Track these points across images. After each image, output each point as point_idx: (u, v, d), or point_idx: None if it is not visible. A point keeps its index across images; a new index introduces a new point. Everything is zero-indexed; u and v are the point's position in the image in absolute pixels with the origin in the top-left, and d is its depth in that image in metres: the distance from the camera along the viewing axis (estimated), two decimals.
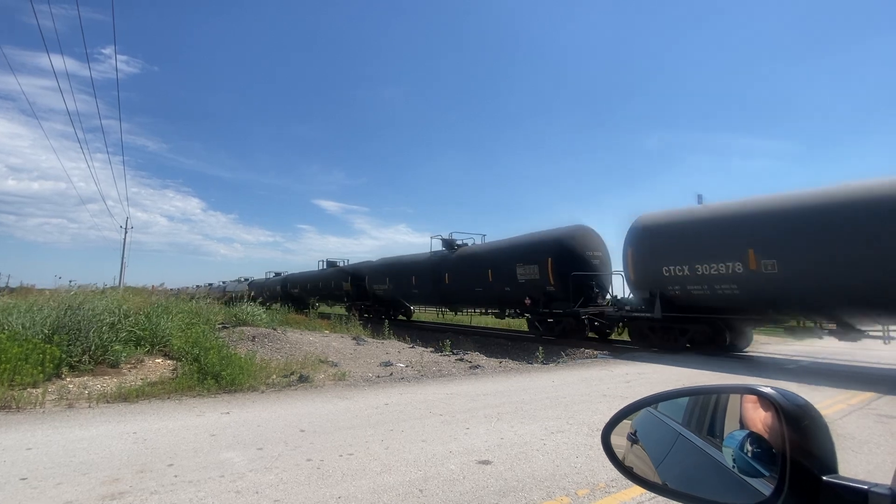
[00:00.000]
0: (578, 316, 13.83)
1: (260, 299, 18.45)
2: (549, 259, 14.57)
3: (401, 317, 25.92)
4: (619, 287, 14.08)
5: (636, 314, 12.37)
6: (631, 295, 12.75)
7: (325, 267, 32.05)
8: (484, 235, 20.53)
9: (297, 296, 33.10)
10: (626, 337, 16.00)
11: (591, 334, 14.40)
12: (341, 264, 30.90)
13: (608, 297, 14.62)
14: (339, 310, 30.31)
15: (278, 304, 26.78)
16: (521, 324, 18.85)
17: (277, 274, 40.92)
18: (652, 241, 11.87)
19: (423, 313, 26.86)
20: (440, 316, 23.75)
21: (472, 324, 22.63)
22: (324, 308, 31.65)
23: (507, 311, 17.49)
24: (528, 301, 15.39)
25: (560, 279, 14.19)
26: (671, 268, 11.11)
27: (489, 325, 21.13)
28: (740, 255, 9.85)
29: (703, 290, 10.66)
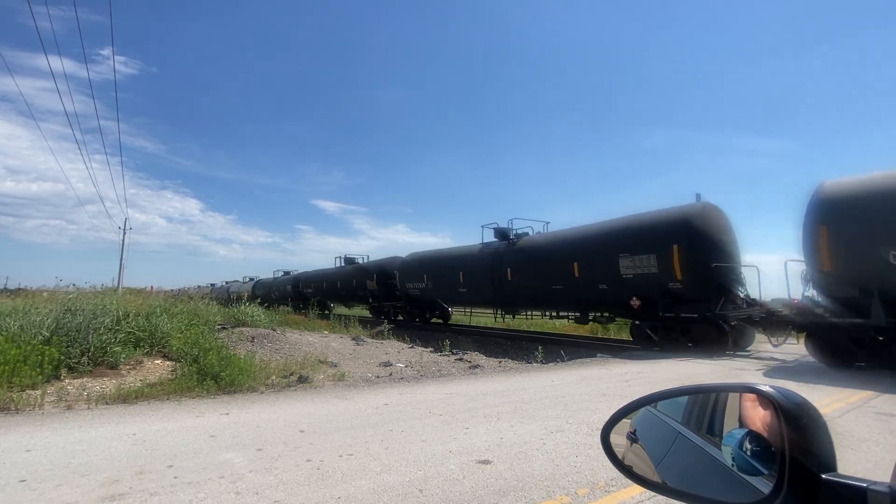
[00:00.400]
0: (726, 321, 10.74)
1: (265, 303, 18.07)
2: (675, 247, 11.12)
3: (435, 320, 22.76)
4: (753, 284, 11.50)
5: (837, 320, 8.73)
6: (810, 293, 9.52)
7: (342, 264, 28.93)
8: (547, 223, 17.23)
9: (311, 296, 29.98)
10: (624, 336, 15.94)
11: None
12: (360, 261, 27.99)
13: (742, 295, 11.71)
14: (360, 311, 27.84)
15: (289, 307, 24.81)
16: (593, 328, 16.13)
17: (286, 273, 38.02)
18: (866, 215, 8.35)
19: (464, 316, 23.28)
20: (498, 320, 19.26)
21: (472, 324, 21.90)
22: (341, 310, 29.30)
23: (594, 314, 14.29)
24: (636, 302, 12.15)
25: (691, 273, 11.07)
26: None
27: (488, 325, 20.79)
28: None
29: None
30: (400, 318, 22.87)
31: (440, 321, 22.56)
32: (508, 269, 15.77)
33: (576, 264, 13.42)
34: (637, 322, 12.75)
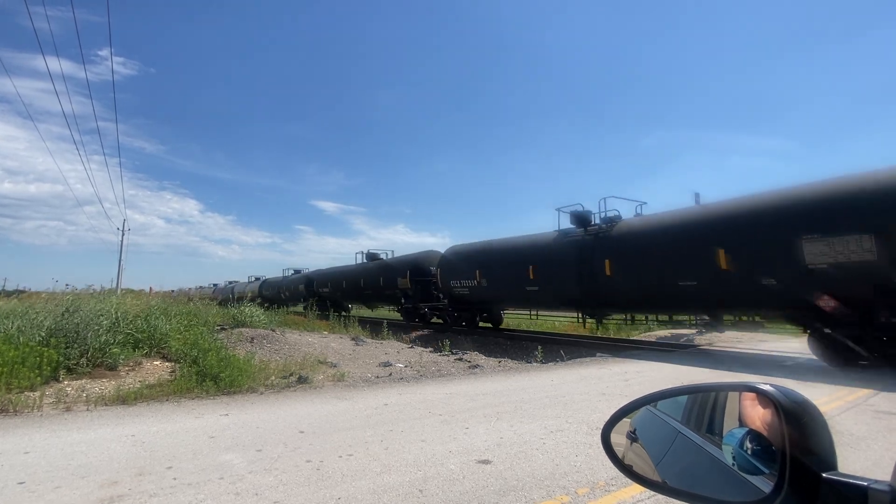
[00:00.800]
0: None
1: (274, 304, 16.89)
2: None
3: (483, 324, 19.11)
4: None
5: None
6: None
7: (364, 261, 25.51)
8: (643, 203, 13.22)
9: (328, 296, 27.55)
10: (623, 335, 15.84)
11: None
12: (384, 257, 24.90)
13: None
14: (387, 313, 24.92)
15: (301, 307, 23.26)
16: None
17: (297, 271, 35.31)
18: None
19: (514, 317, 19.94)
20: (585, 326, 16.07)
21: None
22: (363, 312, 26.84)
23: (745, 317, 10.70)
24: (829, 303, 8.42)
25: None
26: None
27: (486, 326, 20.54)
28: None
29: None
30: (438, 321, 20.07)
31: (489, 325, 19.09)
32: (608, 262, 12.10)
33: (721, 252, 9.67)
34: (826, 330, 8.82)
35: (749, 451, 0.76)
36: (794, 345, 12.71)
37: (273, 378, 7.23)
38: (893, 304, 8.02)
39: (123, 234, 37.64)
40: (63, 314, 7.68)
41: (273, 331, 12.02)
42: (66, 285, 11.45)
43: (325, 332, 14.40)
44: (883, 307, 8.11)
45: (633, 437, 1.05)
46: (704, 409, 0.95)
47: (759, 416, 0.79)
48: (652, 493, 0.99)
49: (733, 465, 0.78)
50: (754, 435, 0.77)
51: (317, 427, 4.68)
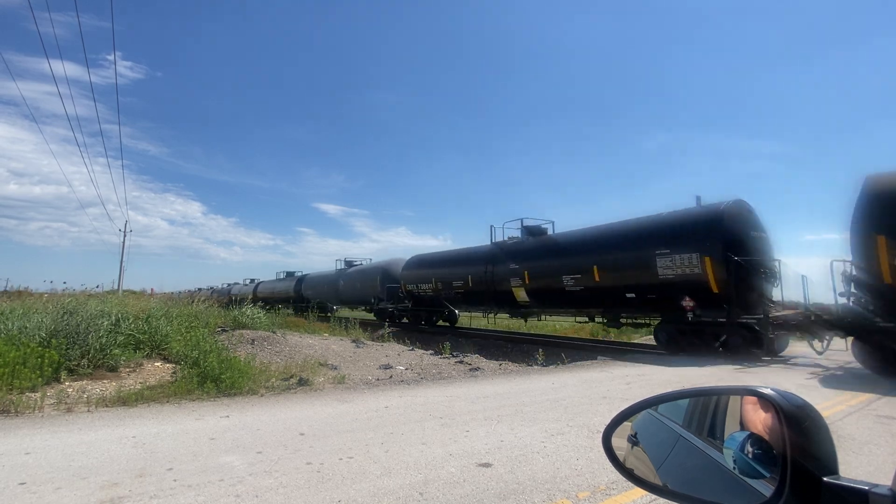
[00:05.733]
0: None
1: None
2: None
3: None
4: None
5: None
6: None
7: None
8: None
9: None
10: (624, 339, 15.88)
11: None
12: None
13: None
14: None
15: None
16: None
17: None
18: None
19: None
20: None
21: (472, 326, 21.61)
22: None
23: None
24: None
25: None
26: None
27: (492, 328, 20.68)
28: None
29: None
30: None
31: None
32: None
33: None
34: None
35: (750, 455, 0.76)
36: (795, 348, 12.67)
37: (274, 380, 7.23)
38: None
39: (125, 236, 37.75)
40: (63, 315, 7.69)
41: (274, 333, 12.02)
42: (64, 283, 11.48)
43: (326, 335, 14.40)
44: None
45: (634, 440, 1.05)
46: (706, 412, 0.95)
47: (760, 419, 0.79)
48: (653, 496, 0.99)
49: (734, 468, 0.78)
50: (755, 439, 0.77)
51: (317, 429, 4.67)
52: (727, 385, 0.93)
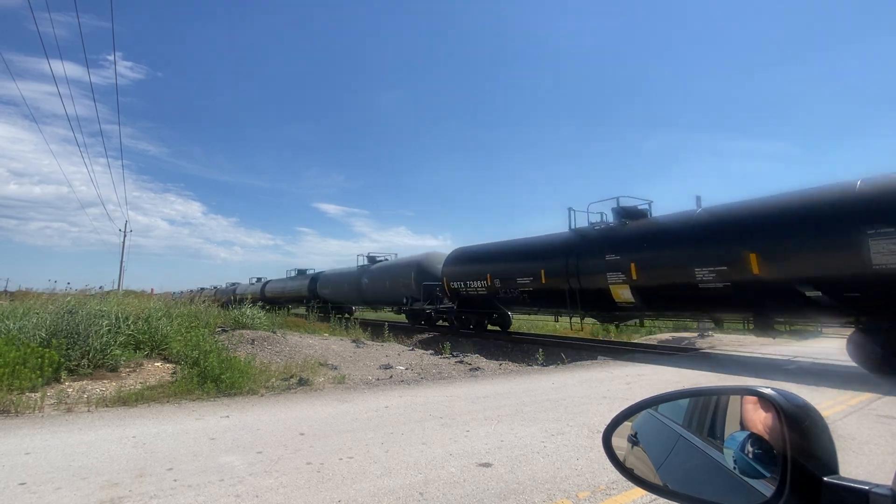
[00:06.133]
0: None
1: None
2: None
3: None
4: None
5: None
6: None
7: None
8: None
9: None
10: (624, 338, 15.80)
11: None
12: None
13: None
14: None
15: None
16: None
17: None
18: None
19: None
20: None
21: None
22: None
23: None
24: None
25: None
26: None
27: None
28: None
29: None
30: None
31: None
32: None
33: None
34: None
35: (750, 455, 0.76)
36: (796, 348, 12.68)
37: (274, 380, 7.23)
38: None
39: (125, 236, 37.77)
40: (64, 315, 7.68)
41: (274, 333, 12.01)
42: (67, 283, 11.48)
43: (326, 335, 14.39)
44: None
45: (634, 440, 1.05)
46: (706, 412, 0.95)
47: (760, 419, 0.79)
48: (653, 496, 0.99)
49: (734, 468, 0.78)
50: (755, 438, 0.77)
51: (317, 429, 4.67)
52: (727, 385, 0.93)
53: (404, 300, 20.90)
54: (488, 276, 16.07)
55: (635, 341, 15.99)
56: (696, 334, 16.34)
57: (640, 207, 13.15)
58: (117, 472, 3.47)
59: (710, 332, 15.72)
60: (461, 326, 18.05)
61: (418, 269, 20.19)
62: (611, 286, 12.31)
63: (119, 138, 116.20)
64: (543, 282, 14.14)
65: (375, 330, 15.39)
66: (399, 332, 16.05)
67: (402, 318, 22.87)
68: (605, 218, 13.54)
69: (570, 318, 14.84)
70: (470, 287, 17.00)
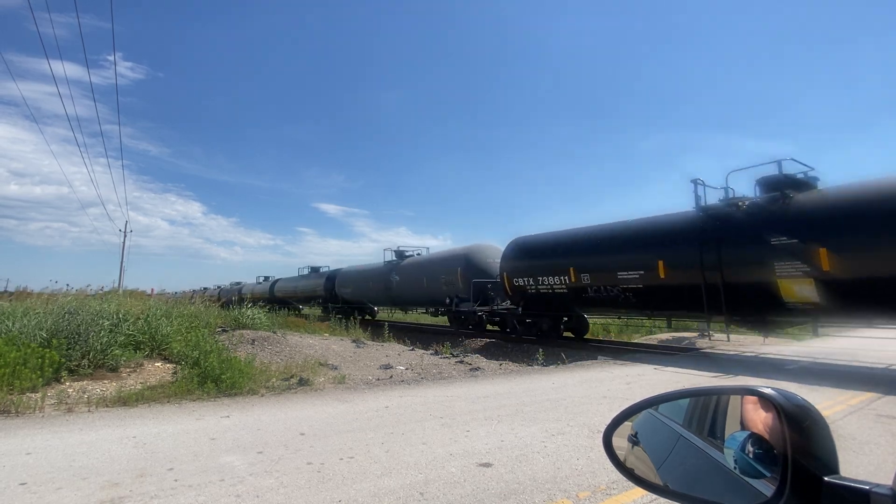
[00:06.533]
0: None
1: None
2: None
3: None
4: None
5: None
6: None
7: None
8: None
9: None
10: (625, 338, 15.80)
11: None
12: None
13: None
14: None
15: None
16: None
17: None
18: None
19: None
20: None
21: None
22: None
23: None
24: None
25: None
26: None
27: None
28: None
29: None
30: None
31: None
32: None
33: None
34: None
35: (751, 455, 0.76)
36: (796, 348, 12.68)
37: (274, 380, 7.23)
38: None
39: (125, 236, 37.78)
40: (64, 315, 7.69)
41: (274, 333, 12.01)
42: (67, 284, 11.47)
43: (326, 335, 14.39)
44: None
45: (634, 440, 1.05)
46: (706, 412, 0.95)
47: (760, 419, 0.79)
48: (654, 496, 0.99)
49: (735, 468, 0.78)
50: (756, 438, 0.77)
51: (317, 429, 4.68)
52: (727, 385, 0.93)
53: (447, 300, 17.67)
54: (571, 269, 12.92)
55: (635, 341, 15.97)
56: (696, 334, 16.33)
57: (806, 176, 9.86)
58: (118, 472, 3.47)
59: (710, 332, 15.71)
60: (525, 332, 14.89)
61: (466, 264, 17.06)
62: (779, 280, 9.10)
63: (119, 138, 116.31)
64: (662, 276, 10.85)
65: (375, 330, 15.33)
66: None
67: (439, 320, 20.10)
68: (730, 194, 10.47)
69: (708, 324, 12.18)
70: (542, 284, 13.83)
